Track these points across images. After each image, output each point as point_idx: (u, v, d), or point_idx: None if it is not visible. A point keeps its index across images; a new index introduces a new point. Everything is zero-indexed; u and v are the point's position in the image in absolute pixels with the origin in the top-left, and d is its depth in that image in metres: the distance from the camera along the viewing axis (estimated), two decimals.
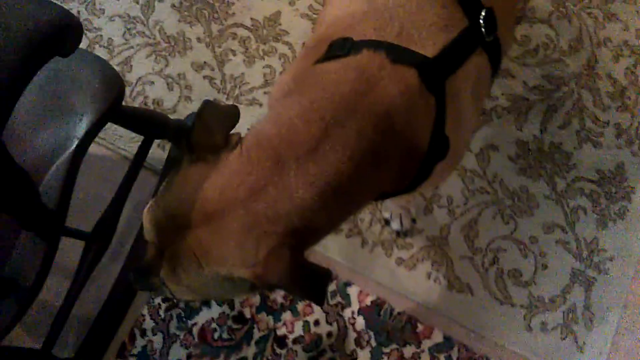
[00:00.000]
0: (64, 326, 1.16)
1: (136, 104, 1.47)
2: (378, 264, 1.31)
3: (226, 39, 1.51)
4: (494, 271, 1.30)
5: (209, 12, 1.54)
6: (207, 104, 0.65)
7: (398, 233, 1.32)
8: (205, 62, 1.50)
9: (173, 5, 1.55)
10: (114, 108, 0.90)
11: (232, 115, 0.67)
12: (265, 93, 1.46)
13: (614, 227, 1.33)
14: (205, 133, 0.64)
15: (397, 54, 0.66)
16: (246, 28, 1.52)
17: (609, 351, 1.24)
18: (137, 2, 1.55)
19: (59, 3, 1.52)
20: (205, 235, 0.61)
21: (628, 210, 1.35)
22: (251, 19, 1.53)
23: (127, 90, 1.47)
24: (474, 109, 0.76)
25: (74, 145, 0.85)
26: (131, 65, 1.50)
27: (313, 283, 0.62)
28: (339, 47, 0.68)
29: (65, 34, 0.57)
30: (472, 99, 0.74)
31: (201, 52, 1.51)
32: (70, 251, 1.22)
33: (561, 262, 1.30)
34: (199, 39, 1.52)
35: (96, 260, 1.18)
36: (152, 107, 1.46)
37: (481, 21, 0.72)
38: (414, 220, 1.32)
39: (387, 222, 1.33)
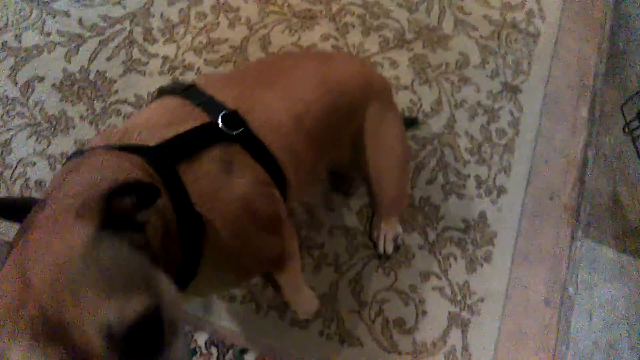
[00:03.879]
0: None
1: (17, 187, 1.44)
2: (272, 327, 1.36)
3: (110, 116, 1.54)
4: (380, 322, 1.39)
5: (92, 90, 1.56)
6: None
7: None
8: (88, 140, 1.51)
9: (53, 85, 1.55)
10: None
11: None
12: None
13: (482, 271, 1.48)
14: None
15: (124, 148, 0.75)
16: (130, 104, 1.56)
17: None
18: (16, 84, 1.54)
19: None
20: None
21: (492, 253, 1.51)
22: (135, 94, 1.57)
23: (7, 173, 1.44)
24: (232, 184, 0.84)
25: None
26: (11, 148, 1.47)
27: None
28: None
29: None
30: (225, 176, 0.82)
31: (84, 130, 1.52)
32: None
33: (439, 307, 1.42)
34: (81, 117, 1.53)
35: None
36: (33, 189, 1.44)
37: (220, 119, 0.83)
38: None
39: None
